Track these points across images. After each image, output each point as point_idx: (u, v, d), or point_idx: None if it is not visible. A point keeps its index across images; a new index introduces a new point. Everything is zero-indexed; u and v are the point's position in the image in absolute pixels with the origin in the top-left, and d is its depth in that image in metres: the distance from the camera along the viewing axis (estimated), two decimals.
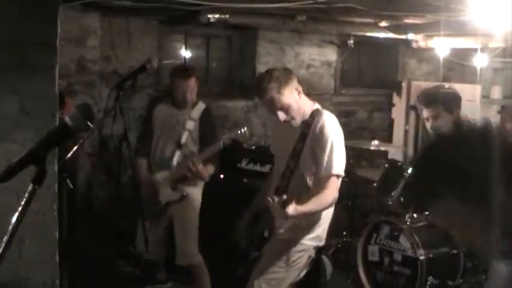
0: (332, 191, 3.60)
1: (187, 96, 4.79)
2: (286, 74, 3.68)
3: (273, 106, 3.63)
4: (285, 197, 3.40)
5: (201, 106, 4.92)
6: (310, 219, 3.70)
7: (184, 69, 4.99)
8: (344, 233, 5.92)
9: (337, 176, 3.61)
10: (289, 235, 3.72)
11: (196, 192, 4.89)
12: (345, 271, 5.50)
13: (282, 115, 3.64)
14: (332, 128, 3.63)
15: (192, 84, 4.81)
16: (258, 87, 3.66)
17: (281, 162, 3.81)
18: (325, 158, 3.57)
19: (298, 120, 3.68)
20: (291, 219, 3.54)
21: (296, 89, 3.65)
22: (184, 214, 4.83)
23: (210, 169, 4.79)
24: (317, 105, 3.80)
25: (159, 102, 5.01)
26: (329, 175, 3.58)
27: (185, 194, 4.79)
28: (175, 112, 4.87)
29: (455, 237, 4.56)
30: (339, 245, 5.86)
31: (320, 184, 3.61)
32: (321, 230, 3.79)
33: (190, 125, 4.83)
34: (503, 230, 1.58)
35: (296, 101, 3.64)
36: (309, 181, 3.67)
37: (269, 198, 3.42)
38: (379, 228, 5.03)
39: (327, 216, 3.81)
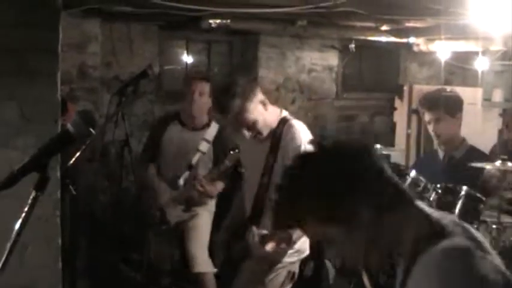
0: None
1: (198, 103, 4.63)
2: (249, 87, 3.41)
3: (237, 124, 3.41)
4: (264, 232, 3.29)
5: (214, 126, 4.78)
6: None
7: (197, 74, 4.92)
8: None
9: None
10: (266, 253, 3.47)
11: (208, 206, 4.82)
12: (347, 275, 5.49)
13: (246, 133, 3.42)
14: (303, 136, 3.42)
15: (205, 89, 4.64)
16: (218, 103, 3.43)
17: (253, 179, 3.60)
18: None
19: (264, 134, 3.46)
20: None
21: (261, 102, 3.41)
22: (196, 222, 4.74)
23: (219, 186, 4.68)
24: (284, 113, 3.58)
25: (169, 123, 4.85)
26: None
27: (196, 213, 4.71)
28: (188, 137, 4.75)
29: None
30: None
31: None
32: (301, 243, 3.55)
33: (204, 147, 4.73)
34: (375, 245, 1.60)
35: (262, 114, 3.41)
36: None
37: (251, 231, 3.30)
38: None
39: None
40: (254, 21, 6.06)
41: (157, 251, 4.86)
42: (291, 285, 3.65)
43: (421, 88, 7.32)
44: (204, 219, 4.77)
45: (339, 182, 1.55)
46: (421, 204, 1.64)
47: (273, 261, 3.50)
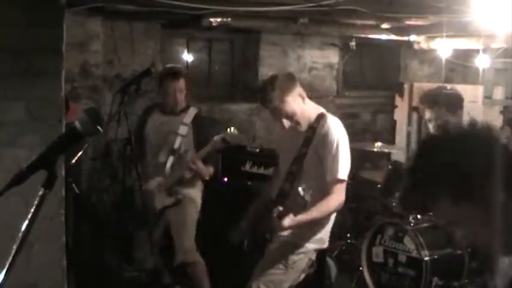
0: (337, 196, 3.60)
1: (177, 98, 4.82)
2: (289, 81, 3.68)
3: (278, 114, 3.65)
4: (281, 208, 3.44)
5: (192, 111, 4.94)
6: (313, 222, 3.68)
7: (172, 71, 4.97)
8: (348, 235, 5.92)
9: (342, 181, 3.59)
10: (290, 237, 3.71)
11: (194, 193, 4.92)
12: (349, 273, 5.50)
13: (286, 123, 3.66)
14: (337, 132, 3.63)
15: (181, 85, 4.84)
16: (261, 96, 3.69)
17: (284, 166, 3.83)
18: (330, 162, 3.57)
19: (303, 126, 3.69)
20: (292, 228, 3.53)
21: (299, 95, 3.66)
22: (181, 213, 4.82)
23: (210, 169, 4.81)
24: (322, 109, 3.81)
25: (150, 113, 5.03)
26: (334, 180, 3.58)
27: (180, 198, 4.80)
28: (167, 120, 4.91)
29: (458, 237, 4.57)
30: (344, 247, 5.86)
31: (325, 189, 3.59)
32: (324, 232, 3.78)
33: (183, 130, 4.86)
34: (504, 227, 1.60)
35: (300, 107, 3.66)
36: (312, 187, 3.60)
37: (274, 210, 3.44)
38: (383, 230, 5.03)
39: (331, 218, 3.80)
40: (255, 19, 6.07)
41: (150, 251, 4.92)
42: (310, 271, 3.80)
43: (422, 86, 7.33)
44: (189, 210, 4.85)
45: (475, 163, 1.58)
46: None
47: (295, 244, 3.69)
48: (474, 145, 1.62)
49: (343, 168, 3.59)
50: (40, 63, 3.23)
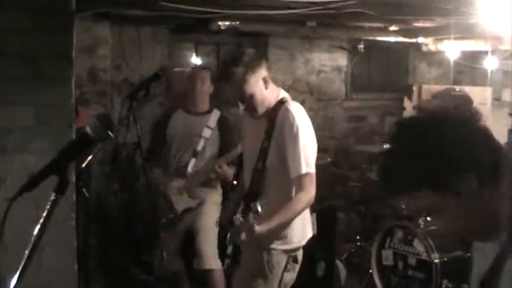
0: (305, 193, 3.27)
1: (202, 96, 4.86)
2: (255, 60, 3.37)
3: (235, 94, 3.36)
4: (240, 217, 3.21)
5: (216, 113, 4.95)
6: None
7: (200, 68, 5.11)
8: (357, 237, 5.92)
9: (308, 174, 3.27)
10: (259, 243, 3.39)
11: (215, 196, 4.91)
12: (359, 276, 5.50)
13: (241, 106, 3.39)
14: (297, 118, 3.29)
15: (207, 78, 4.89)
16: (222, 70, 3.43)
17: (249, 163, 3.51)
18: (292, 156, 3.26)
19: (259, 112, 3.39)
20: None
21: (263, 78, 3.35)
22: (204, 217, 4.79)
23: (232, 172, 4.76)
24: (283, 93, 3.48)
25: (173, 112, 5.04)
26: (299, 176, 3.26)
27: (203, 200, 4.81)
28: (192, 121, 4.91)
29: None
30: (353, 250, 5.86)
31: (290, 187, 3.31)
32: (289, 230, 3.43)
33: (207, 132, 4.87)
34: (485, 214, 1.57)
35: (261, 91, 3.35)
36: (280, 183, 3.35)
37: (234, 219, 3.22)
38: (392, 233, 5.03)
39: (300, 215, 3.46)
40: (263, 23, 6.07)
41: (168, 251, 4.88)
42: (297, 267, 3.55)
43: (430, 88, 7.32)
44: (211, 214, 4.72)
45: (448, 147, 1.53)
46: None
47: (259, 245, 3.39)
48: (455, 128, 1.56)
49: (308, 160, 3.27)
50: (50, 69, 3.25)
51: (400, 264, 4.95)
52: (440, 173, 1.54)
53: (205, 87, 4.91)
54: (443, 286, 4.60)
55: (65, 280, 3.56)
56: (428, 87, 7.46)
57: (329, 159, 6.07)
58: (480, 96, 6.82)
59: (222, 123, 4.93)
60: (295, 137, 3.24)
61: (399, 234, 4.98)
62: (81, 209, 4.06)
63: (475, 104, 5.12)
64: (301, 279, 3.64)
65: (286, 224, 3.37)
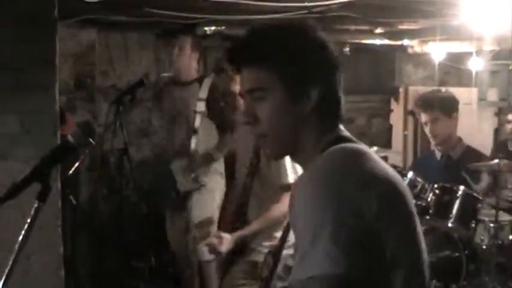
0: (283, 205, 3.16)
1: (181, 60, 4.71)
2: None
3: (232, 100, 3.42)
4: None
5: (207, 81, 4.78)
6: (275, 230, 3.36)
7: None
8: None
9: (290, 187, 3.16)
10: (250, 251, 3.42)
11: (216, 181, 4.76)
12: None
13: (239, 116, 3.37)
14: None
15: (185, 44, 4.75)
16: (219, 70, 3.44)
17: (240, 176, 3.50)
18: (278, 165, 3.25)
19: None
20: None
21: None
22: (204, 204, 4.68)
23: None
24: None
25: (164, 88, 4.94)
26: (283, 186, 3.26)
27: (204, 184, 4.66)
28: (183, 95, 4.77)
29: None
30: None
31: (274, 196, 3.30)
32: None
33: (201, 106, 4.69)
34: None
35: None
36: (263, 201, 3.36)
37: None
38: None
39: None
40: (249, 27, 6.08)
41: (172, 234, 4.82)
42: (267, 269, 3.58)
43: (417, 89, 7.36)
44: (215, 200, 4.69)
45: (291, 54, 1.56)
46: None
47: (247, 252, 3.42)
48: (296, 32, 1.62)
49: (290, 170, 3.24)
50: (33, 76, 3.25)
51: None
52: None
53: (186, 56, 4.74)
54: (432, 286, 4.61)
55: (51, 287, 3.55)
56: (415, 88, 7.51)
57: None
58: (466, 96, 6.86)
59: (211, 94, 4.72)
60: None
61: None
62: (69, 215, 4.07)
63: (461, 104, 5.13)
64: None
65: (266, 231, 3.36)
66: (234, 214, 3.52)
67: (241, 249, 3.40)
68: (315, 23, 1.68)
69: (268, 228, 3.35)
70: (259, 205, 3.39)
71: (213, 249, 3.25)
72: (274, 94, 1.55)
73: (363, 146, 1.57)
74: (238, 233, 3.26)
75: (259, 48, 1.59)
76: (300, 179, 1.60)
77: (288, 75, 1.55)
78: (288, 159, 3.12)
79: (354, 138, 1.62)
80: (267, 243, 3.39)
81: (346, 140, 1.58)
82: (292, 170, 3.25)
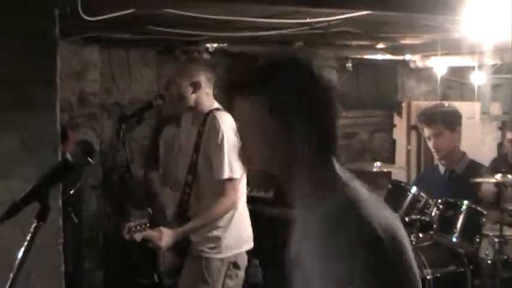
0: (227, 198, 3.37)
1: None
2: (189, 62, 3.53)
3: (168, 90, 3.51)
4: (132, 225, 3.34)
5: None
6: (211, 231, 3.48)
7: None
8: None
9: (231, 180, 3.37)
10: (194, 252, 3.52)
11: None
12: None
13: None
14: (221, 127, 3.38)
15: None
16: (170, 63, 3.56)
17: (180, 174, 3.61)
18: (216, 161, 3.35)
19: (178, 109, 3.60)
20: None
21: (192, 84, 3.48)
22: None
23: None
24: (216, 105, 3.57)
25: (164, 127, 5.04)
26: (221, 181, 3.36)
27: None
28: (177, 131, 4.71)
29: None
30: None
31: (214, 191, 3.41)
32: (227, 235, 3.52)
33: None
34: None
35: (189, 94, 3.49)
36: (205, 195, 3.46)
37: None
38: None
39: (236, 219, 3.54)
40: (251, 44, 6.10)
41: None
42: (239, 273, 3.60)
43: (419, 104, 7.34)
44: None
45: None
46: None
47: (201, 257, 3.51)
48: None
49: (232, 166, 3.34)
50: (34, 95, 3.25)
51: None
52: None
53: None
54: None
55: None
56: (418, 103, 7.49)
57: None
58: (469, 110, 6.83)
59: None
60: (221, 142, 3.33)
61: None
62: (72, 233, 4.05)
63: (464, 118, 5.13)
64: None
65: (206, 227, 3.44)
66: (175, 211, 3.60)
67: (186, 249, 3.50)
68: (310, 58, 1.78)
69: (210, 224, 3.44)
70: (199, 201, 3.48)
71: (153, 243, 3.34)
72: (265, 127, 1.59)
73: (360, 192, 1.64)
74: (180, 229, 3.35)
75: (254, 82, 1.65)
76: (305, 222, 1.60)
77: (278, 110, 1.59)
78: (226, 155, 3.32)
79: (345, 176, 1.68)
80: (215, 254, 3.48)
81: (338, 179, 1.63)
82: (228, 167, 3.34)
